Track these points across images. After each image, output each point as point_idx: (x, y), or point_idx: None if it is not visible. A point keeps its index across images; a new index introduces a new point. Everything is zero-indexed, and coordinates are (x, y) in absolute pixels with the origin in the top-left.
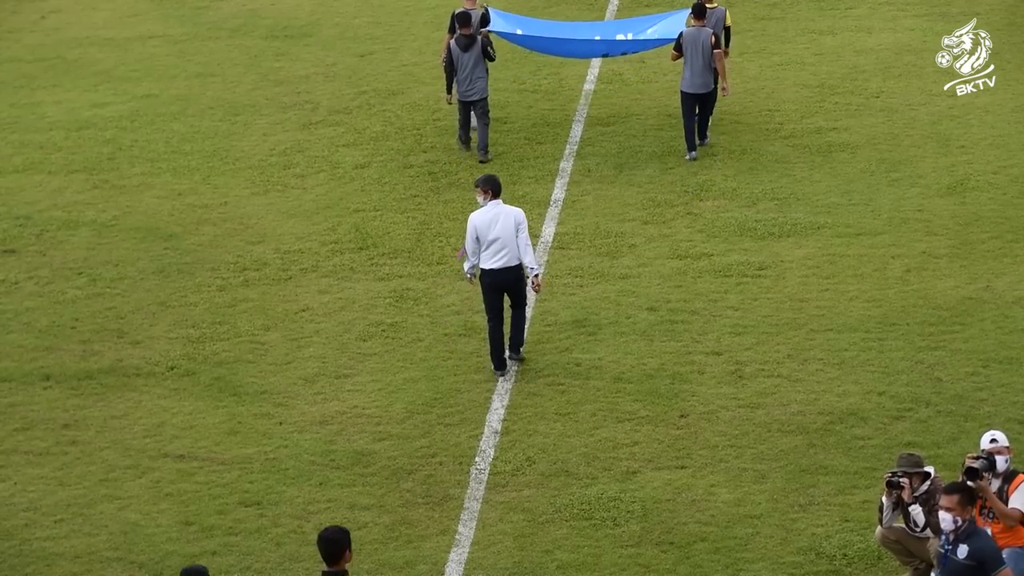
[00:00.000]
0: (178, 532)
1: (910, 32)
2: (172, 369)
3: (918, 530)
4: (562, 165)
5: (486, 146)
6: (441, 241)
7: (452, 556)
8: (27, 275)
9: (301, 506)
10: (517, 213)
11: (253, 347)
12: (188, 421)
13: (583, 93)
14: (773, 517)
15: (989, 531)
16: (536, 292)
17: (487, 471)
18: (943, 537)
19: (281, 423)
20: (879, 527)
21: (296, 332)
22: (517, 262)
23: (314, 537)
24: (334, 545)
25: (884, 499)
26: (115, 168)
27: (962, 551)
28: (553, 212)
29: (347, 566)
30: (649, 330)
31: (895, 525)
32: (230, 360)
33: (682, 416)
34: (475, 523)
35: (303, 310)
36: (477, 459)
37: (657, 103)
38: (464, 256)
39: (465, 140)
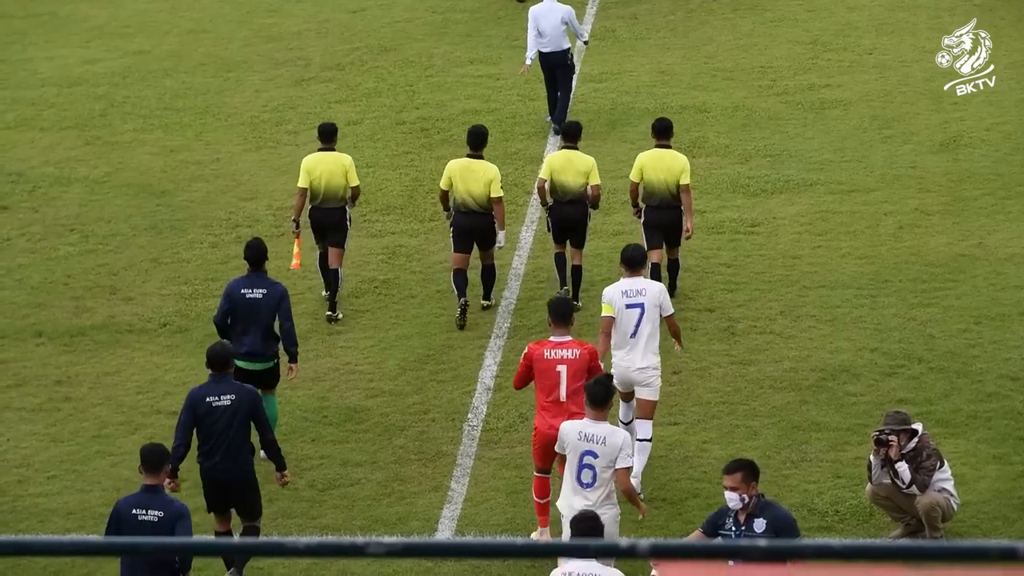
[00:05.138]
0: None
1: None
2: (165, 326)
3: (904, 487)
4: None
5: None
6: (433, 198)
7: (445, 512)
8: (19, 232)
9: (294, 462)
10: (566, 10)
11: None
12: (180, 378)
13: (576, 50)
14: (765, 474)
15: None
16: (571, 65)
17: (480, 428)
18: (730, 519)
19: None
20: (869, 484)
21: (289, 288)
22: (560, 49)
23: (307, 494)
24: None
25: (872, 457)
26: (107, 125)
27: (759, 525)
28: None
29: None
30: None
31: (884, 482)
32: None
33: (674, 373)
34: (468, 479)
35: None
36: (470, 416)
37: (650, 59)
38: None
39: None
